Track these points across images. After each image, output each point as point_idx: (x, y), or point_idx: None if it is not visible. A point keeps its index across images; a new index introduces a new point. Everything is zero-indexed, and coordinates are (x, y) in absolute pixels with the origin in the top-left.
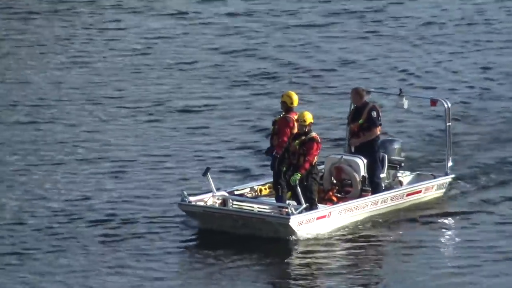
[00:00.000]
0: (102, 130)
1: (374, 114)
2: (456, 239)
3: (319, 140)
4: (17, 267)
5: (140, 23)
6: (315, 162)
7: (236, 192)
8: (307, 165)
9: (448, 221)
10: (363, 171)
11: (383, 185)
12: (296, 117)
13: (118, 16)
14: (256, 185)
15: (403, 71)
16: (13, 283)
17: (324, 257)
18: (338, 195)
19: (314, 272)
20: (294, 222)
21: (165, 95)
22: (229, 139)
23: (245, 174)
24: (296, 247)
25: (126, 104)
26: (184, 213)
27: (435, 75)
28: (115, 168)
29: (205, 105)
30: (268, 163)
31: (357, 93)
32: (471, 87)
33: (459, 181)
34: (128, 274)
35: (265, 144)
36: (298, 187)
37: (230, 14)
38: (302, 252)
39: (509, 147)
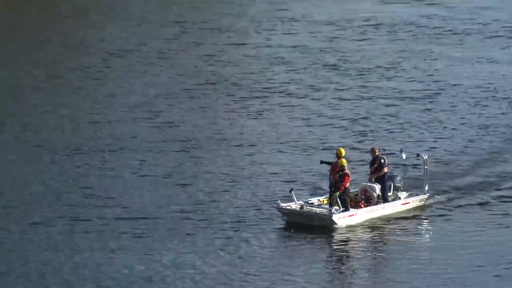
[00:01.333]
0: (240, 154)
1: (382, 161)
2: (431, 227)
3: (349, 174)
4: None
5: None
6: (347, 186)
7: (309, 201)
8: (342, 188)
9: (426, 217)
10: (378, 192)
11: (390, 199)
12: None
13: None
14: (320, 198)
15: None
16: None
17: (352, 237)
18: (365, 204)
19: (347, 243)
20: (336, 218)
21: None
22: (308, 170)
23: (315, 191)
24: (337, 232)
25: (276, 142)
26: (279, 212)
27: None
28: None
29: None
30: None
31: (372, 151)
32: (462, 139)
33: (434, 196)
34: (253, 245)
35: (327, 175)
36: (338, 199)
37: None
38: (340, 234)
39: (471, 176)
